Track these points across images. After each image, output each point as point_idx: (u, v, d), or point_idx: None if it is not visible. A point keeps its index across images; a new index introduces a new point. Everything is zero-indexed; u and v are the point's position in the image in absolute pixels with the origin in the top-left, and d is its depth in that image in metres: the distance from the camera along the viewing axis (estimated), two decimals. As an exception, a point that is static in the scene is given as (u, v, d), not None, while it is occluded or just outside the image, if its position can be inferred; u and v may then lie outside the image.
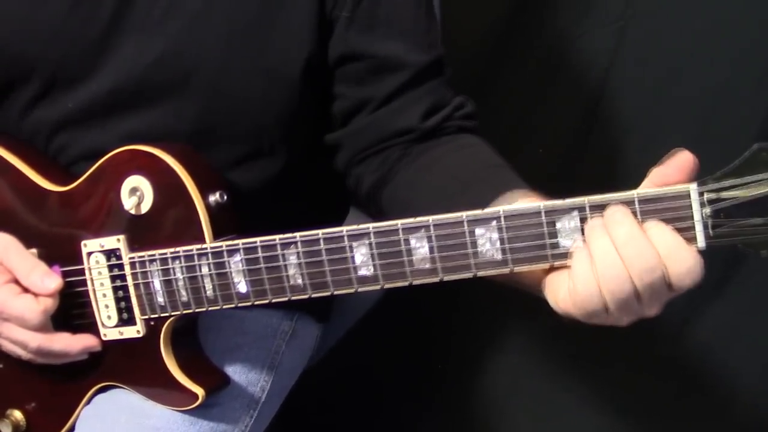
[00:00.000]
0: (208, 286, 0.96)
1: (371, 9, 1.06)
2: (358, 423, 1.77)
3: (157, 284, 0.99)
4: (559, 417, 1.67)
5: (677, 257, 0.78)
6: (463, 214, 0.85)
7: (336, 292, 0.92)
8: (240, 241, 0.94)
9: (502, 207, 0.84)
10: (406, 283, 0.89)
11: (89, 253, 1.02)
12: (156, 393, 1.05)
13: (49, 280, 1.00)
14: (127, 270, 1.00)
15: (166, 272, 0.98)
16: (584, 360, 1.64)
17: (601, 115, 1.58)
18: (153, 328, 1.01)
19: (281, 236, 0.92)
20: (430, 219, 0.86)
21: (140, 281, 1.00)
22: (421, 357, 1.73)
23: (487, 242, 0.85)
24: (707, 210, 0.78)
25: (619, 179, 1.51)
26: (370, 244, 0.88)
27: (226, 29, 1.05)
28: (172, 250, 0.97)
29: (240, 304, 0.96)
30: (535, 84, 1.61)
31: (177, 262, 0.97)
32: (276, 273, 0.93)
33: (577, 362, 1.64)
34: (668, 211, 0.79)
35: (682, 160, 0.79)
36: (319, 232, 0.90)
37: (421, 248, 0.87)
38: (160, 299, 0.99)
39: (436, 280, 0.87)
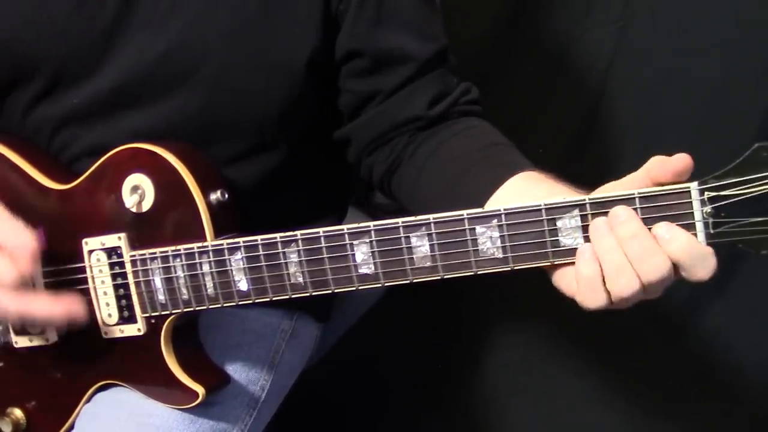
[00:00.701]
0: (209, 284, 0.96)
1: (376, 3, 1.07)
2: (359, 422, 1.77)
3: (158, 282, 0.99)
4: (560, 416, 1.67)
5: (700, 264, 0.79)
6: (464, 213, 0.85)
7: (337, 290, 0.92)
8: (241, 239, 0.94)
9: (503, 205, 0.85)
10: (407, 281, 0.89)
11: (90, 251, 1.02)
12: (156, 391, 1.05)
13: (23, 239, 0.96)
14: (128, 268, 1.00)
15: (167, 270, 0.98)
16: (584, 359, 1.64)
17: (601, 115, 1.58)
18: (154, 326, 1.01)
19: (282, 234, 0.92)
20: (431, 217, 0.86)
21: (141, 279, 1.00)
22: (421, 356, 1.73)
23: (488, 240, 0.85)
24: (708, 209, 0.79)
25: (618, 179, 1.51)
26: (371, 242, 0.88)
27: (230, 25, 1.05)
28: (173, 248, 0.97)
29: (241, 302, 0.96)
30: (535, 84, 1.61)
31: (178, 260, 0.97)
32: (277, 271, 0.93)
33: (577, 362, 1.64)
34: (669, 209, 0.80)
35: (683, 165, 0.80)
36: (320, 231, 0.90)
37: (421, 246, 0.87)
38: (161, 297, 0.99)
39: (436, 278, 0.88)
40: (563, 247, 0.83)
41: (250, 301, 0.96)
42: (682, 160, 0.79)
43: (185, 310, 0.99)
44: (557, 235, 0.83)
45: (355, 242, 0.89)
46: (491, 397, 1.70)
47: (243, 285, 0.95)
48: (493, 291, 1.58)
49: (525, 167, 0.98)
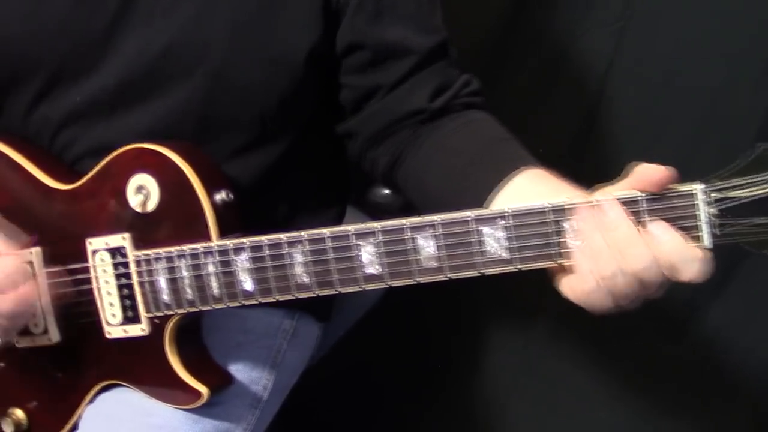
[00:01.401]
0: (214, 284, 0.96)
1: None
2: (359, 422, 1.77)
3: (162, 282, 0.99)
4: (560, 416, 1.67)
5: (686, 265, 0.79)
6: (470, 213, 0.85)
7: (342, 291, 0.92)
8: (246, 240, 0.94)
9: (509, 206, 0.85)
10: (413, 282, 0.89)
11: (94, 251, 1.02)
12: (160, 391, 1.05)
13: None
14: (132, 268, 1.00)
15: (171, 270, 0.98)
16: (584, 360, 1.64)
17: (601, 115, 1.58)
18: (158, 326, 1.01)
19: (288, 235, 0.92)
20: (438, 218, 0.86)
21: (145, 279, 1.00)
22: (421, 356, 1.73)
23: (494, 241, 0.85)
24: (713, 210, 0.79)
25: (619, 179, 1.51)
26: (377, 242, 0.88)
27: (231, 20, 1.05)
28: (177, 248, 0.97)
29: (245, 302, 0.96)
30: (535, 84, 1.61)
31: (183, 260, 0.97)
32: (282, 271, 0.93)
33: (577, 362, 1.64)
34: (674, 210, 0.80)
35: (665, 177, 0.80)
36: (326, 231, 0.91)
37: (427, 247, 0.87)
38: (165, 297, 0.99)
39: (442, 278, 0.88)
40: (570, 247, 0.83)
41: (255, 302, 0.96)
42: (666, 172, 0.80)
43: (189, 310, 0.99)
44: (564, 236, 0.83)
45: (361, 243, 0.89)
46: (491, 396, 1.70)
47: (248, 285, 0.95)
48: (493, 291, 1.57)
49: (528, 163, 0.98)
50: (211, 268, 0.96)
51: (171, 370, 1.02)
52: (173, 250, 0.97)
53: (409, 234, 0.87)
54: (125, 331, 1.02)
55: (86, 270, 1.03)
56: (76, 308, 1.05)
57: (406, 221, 0.87)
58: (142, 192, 0.99)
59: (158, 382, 1.04)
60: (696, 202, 0.79)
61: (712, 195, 0.79)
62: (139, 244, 1.00)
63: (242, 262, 0.94)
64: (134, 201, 0.99)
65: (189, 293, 0.98)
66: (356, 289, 0.91)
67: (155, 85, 1.06)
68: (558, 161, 1.57)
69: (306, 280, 0.92)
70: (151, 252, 0.99)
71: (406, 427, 1.76)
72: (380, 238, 0.88)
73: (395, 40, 1.08)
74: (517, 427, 1.69)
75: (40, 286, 1.05)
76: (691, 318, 1.56)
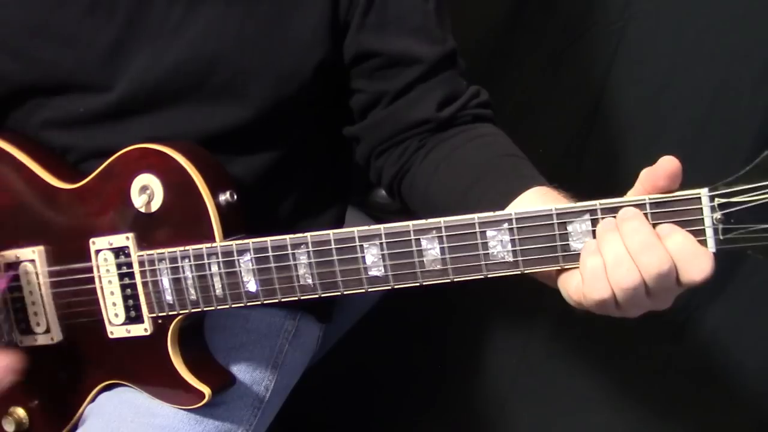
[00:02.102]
0: (218, 285, 0.96)
1: (381, 9, 1.07)
2: (358, 422, 1.77)
3: (165, 282, 0.99)
4: (559, 416, 1.67)
5: (694, 262, 0.79)
6: (475, 216, 0.86)
7: (346, 292, 0.92)
8: (250, 241, 0.94)
9: (514, 210, 0.85)
10: (417, 284, 0.89)
11: (97, 251, 1.02)
12: (162, 391, 1.05)
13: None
14: (136, 268, 1.00)
15: (175, 271, 0.98)
16: (584, 359, 1.64)
17: (601, 115, 1.58)
18: (161, 326, 1.01)
19: (292, 236, 0.92)
20: (442, 221, 0.86)
21: (149, 279, 1.00)
22: (421, 356, 1.73)
23: (499, 244, 0.85)
24: (718, 215, 0.79)
25: (619, 179, 1.51)
26: (381, 244, 0.89)
27: (240, 37, 1.05)
28: (181, 248, 0.97)
29: (249, 303, 0.96)
30: (535, 84, 1.61)
31: (186, 260, 0.97)
32: (286, 273, 0.93)
33: (577, 362, 1.65)
34: (679, 215, 0.80)
35: (671, 167, 0.80)
36: (330, 233, 0.91)
37: (432, 249, 0.87)
38: (169, 297, 0.99)
39: (446, 281, 0.88)
40: (573, 251, 0.84)
41: (259, 303, 0.96)
42: (669, 162, 0.80)
43: (192, 310, 0.99)
44: (568, 240, 0.84)
45: (365, 245, 0.89)
46: (491, 396, 1.71)
47: (252, 286, 0.95)
48: (493, 291, 1.57)
49: (539, 182, 0.97)
50: (214, 269, 0.96)
51: (174, 371, 1.02)
52: (177, 250, 0.97)
53: (413, 236, 0.87)
54: (128, 330, 1.02)
55: (89, 269, 1.03)
56: (79, 308, 1.04)
57: (410, 224, 0.87)
58: (146, 192, 0.99)
59: (161, 382, 1.04)
60: (701, 207, 0.80)
61: (717, 200, 0.79)
62: (142, 244, 1.00)
63: (246, 263, 0.94)
64: (138, 201, 0.99)
65: (192, 294, 0.98)
66: (360, 291, 0.91)
67: (162, 99, 1.06)
68: (558, 161, 1.59)
69: (310, 281, 0.92)
70: (155, 252, 0.99)
71: (406, 427, 1.76)
72: (384, 240, 0.88)
73: (401, 51, 1.08)
74: (517, 427, 1.69)
75: (43, 285, 1.05)
76: (691, 318, 1.57)
